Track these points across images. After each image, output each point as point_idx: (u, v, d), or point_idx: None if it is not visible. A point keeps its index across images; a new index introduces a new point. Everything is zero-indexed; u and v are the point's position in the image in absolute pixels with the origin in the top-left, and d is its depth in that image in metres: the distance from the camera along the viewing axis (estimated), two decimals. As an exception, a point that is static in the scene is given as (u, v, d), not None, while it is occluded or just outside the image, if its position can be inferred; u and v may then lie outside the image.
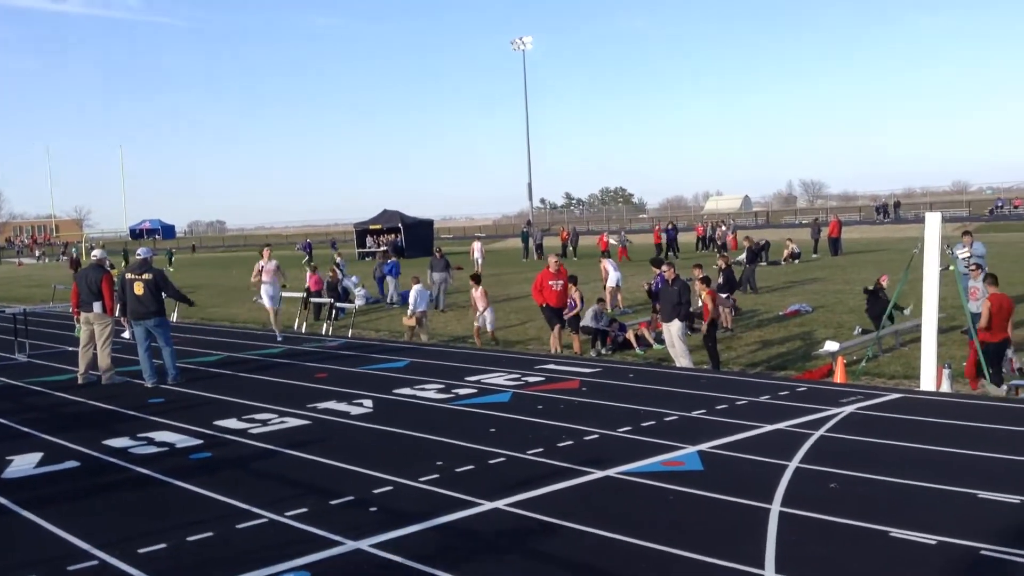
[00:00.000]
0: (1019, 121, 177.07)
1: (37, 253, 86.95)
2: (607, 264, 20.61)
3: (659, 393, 9.74)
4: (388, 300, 23.73)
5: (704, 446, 7.24)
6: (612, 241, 38.26)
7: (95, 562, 5.02)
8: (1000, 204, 64.65)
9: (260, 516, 5.75)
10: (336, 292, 21.34)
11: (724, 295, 16.91)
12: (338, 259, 24.92)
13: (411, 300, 16.55)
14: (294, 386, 10.93)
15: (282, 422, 8.75)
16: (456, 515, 5.66)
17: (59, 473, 7.11)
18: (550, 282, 14.31)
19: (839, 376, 10.94)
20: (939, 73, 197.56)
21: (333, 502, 6.02)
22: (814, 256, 34.83)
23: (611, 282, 20.02)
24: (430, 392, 10.12)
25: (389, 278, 24.09)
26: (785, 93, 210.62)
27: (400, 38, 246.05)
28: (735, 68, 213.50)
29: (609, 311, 17.27)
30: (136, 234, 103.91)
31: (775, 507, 5.61)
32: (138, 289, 11.17)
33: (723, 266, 18.39)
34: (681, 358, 12.30)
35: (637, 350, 14.55)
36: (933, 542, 4.92)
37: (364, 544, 5.17)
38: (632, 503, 5.83)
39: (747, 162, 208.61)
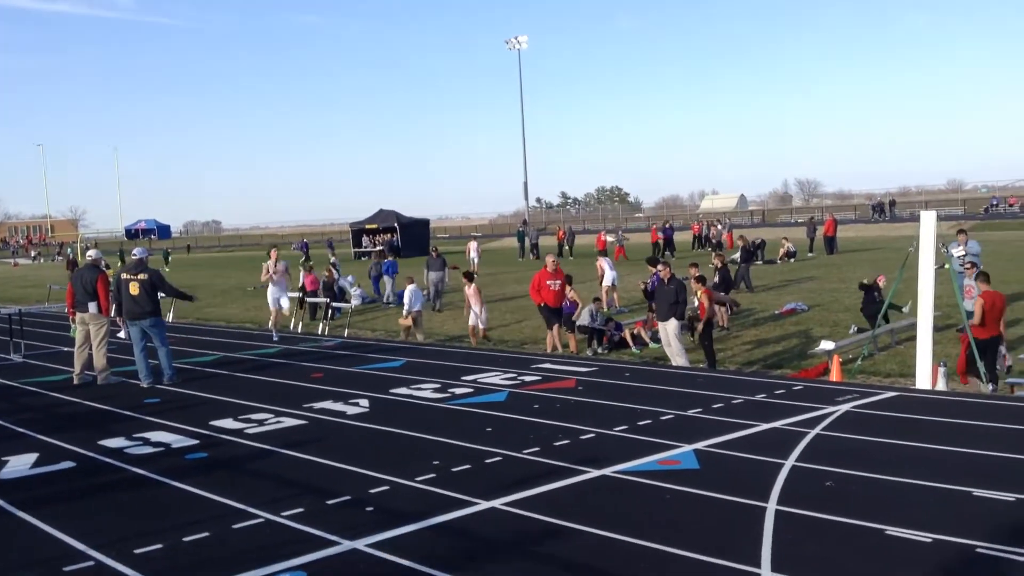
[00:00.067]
0: (1014, 120, 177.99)
1: (33, 253, 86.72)
2: (603, 263, 20.65)
3: (655, 392, 9.74)
4: (385, 300, 23.73)
5: (700, 445, 7.25)
6: (610, 240, 38.30)
7: (91, 563, 5.01)
8: (995, 203, 64.85)
9: (256, 516, 5.74)
10: (332, 292, 21.35)
11: (722, 293, 16.93)
12: (333, 259, 24.93)
13: (406, 300, 16.55)
14: (290, 386, 10.91)
15: (278, 422, 8.74)
16: (453, 515, 5.65)
17: (55, 474, 7.09)
18: (548, 282, 14.32)
19: (835, 375, 10.94)
20: (935, 72, 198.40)
21: (329, 502, 6.02)
22: (810, 255, 34.87)
23: (607, 281, 20.06)
24: (426, 392, 10.11)
25: (386, 277, 24.10)
26: (781, 92, 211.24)
27: (395, 38, 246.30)
28: (732, 67, 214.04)
29: (605, 310, 17.28)
30: (132, 234, 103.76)
31: (771, 506, 5.61)
32: (134, 289, 11.15)
33: (719, 265, 18.42)
34: (677, 357, 12.31)
35: (633, 349, 14.57)
36: (929, 540, 4.93)
37: (360, 544, 5.16)
38: (628, 502, 5.83)
39: (743, 161, 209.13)
